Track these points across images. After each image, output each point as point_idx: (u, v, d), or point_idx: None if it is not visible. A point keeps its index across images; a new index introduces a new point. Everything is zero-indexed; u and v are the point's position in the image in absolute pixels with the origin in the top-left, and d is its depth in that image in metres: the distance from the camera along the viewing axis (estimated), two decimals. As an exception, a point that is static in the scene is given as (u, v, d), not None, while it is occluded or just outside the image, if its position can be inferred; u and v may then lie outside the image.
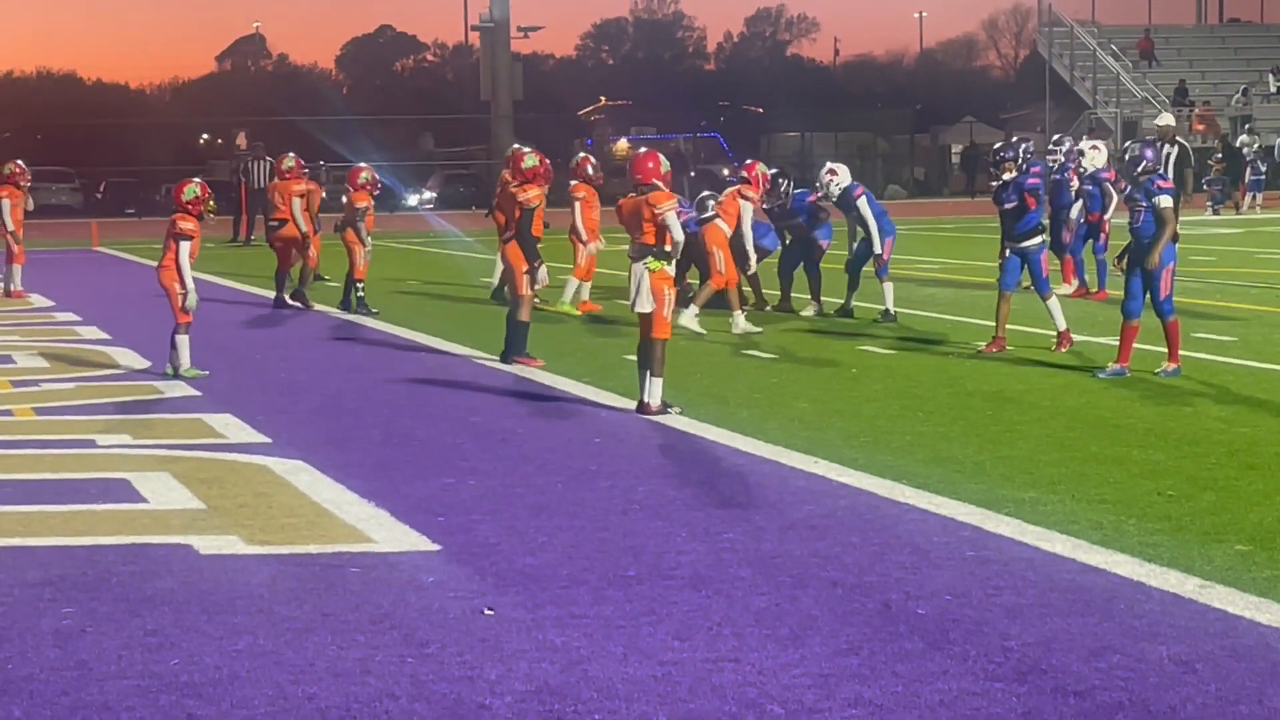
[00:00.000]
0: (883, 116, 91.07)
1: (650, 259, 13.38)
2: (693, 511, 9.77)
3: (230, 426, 13.10)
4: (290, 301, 23.36)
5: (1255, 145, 50.25)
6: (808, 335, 18.87)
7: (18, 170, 26.16)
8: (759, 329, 18.93)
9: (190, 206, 15.98)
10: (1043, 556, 8.56)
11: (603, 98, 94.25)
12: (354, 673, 6.84)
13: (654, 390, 13.42)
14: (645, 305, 13.48)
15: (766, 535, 9.13)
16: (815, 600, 7.81)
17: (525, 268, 16.17)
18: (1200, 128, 61.82)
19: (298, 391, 15.28)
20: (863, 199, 20.03)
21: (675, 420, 13.02)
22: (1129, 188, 15.17)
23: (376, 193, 22.31)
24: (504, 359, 16.46)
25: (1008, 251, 16.79)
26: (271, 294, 23.91)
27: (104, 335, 20.03)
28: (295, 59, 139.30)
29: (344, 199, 22.64)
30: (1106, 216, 22.40)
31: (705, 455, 11.76)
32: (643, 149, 14.59)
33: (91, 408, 14.25)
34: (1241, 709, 6.23)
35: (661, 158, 13.86)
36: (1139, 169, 14.92)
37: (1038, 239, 16.80)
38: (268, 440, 12.46)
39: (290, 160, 24.36)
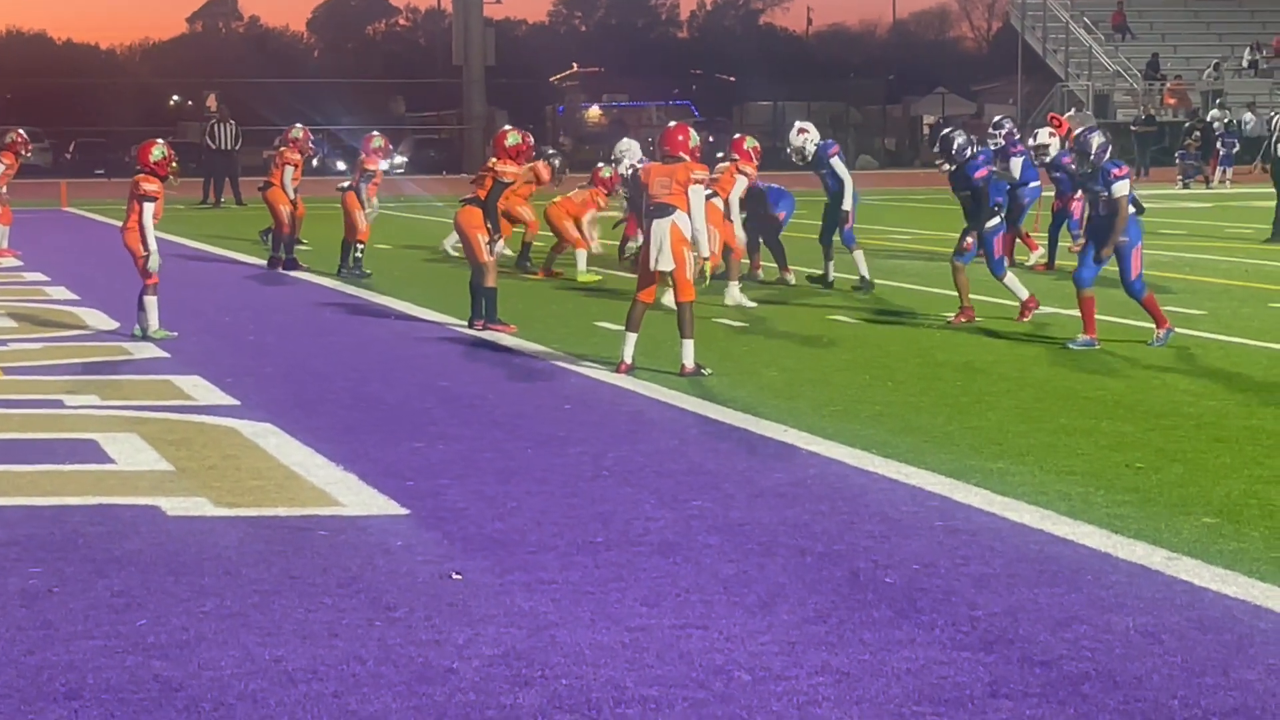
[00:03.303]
0: (855, 87, 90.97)
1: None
2: (661, 478, 9.78)
3: (199, 388, 13.07)
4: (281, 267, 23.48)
5: (1226, 120, 50.37)
6: (778, 304, 18.87)
7: (20, 140, 26.36)
8: (754, 304, 18.82)
9: (157, 168, 15.93)
10: (1011, 527, 8.58)
11: (575, 64, 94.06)
12: (321, 635, 6.83)
13: (687, 352, 13.65)
14: (666, 264, 13.69)
15: (735, 503, 9.14)
16: (783, 568, 7.82)
17: (485, 237, 16.29)
18: (1172, 102, 61.92)
19: (267, 354, 15.25)
20: (836, 158, 20.06)
21: (645, 387, 13.02)
22: (1082, 177, 15.26)
23: (389, 161, 22.76)
24: (470, 324, 16.47)
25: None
26: (243, 257, 23.96)
27: (72, 295, 19.98)
28: (266, 21, 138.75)
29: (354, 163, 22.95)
30: (1077, 196, 22.50)
31: (675, 422, 11.75)
32: (672, 122, 14.79)
33: (59, 368, 14.21)
34: (1207, 680, 6.26)
35: (692, 131, 14.18)
36: (1093, 155, 14.95)
37: (994, 220, 16.83)
38: (236, 402, 12.43)
39: (298, 131, 24.65)
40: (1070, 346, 14.85)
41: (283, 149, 24.15)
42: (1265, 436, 10.92)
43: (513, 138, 16.99)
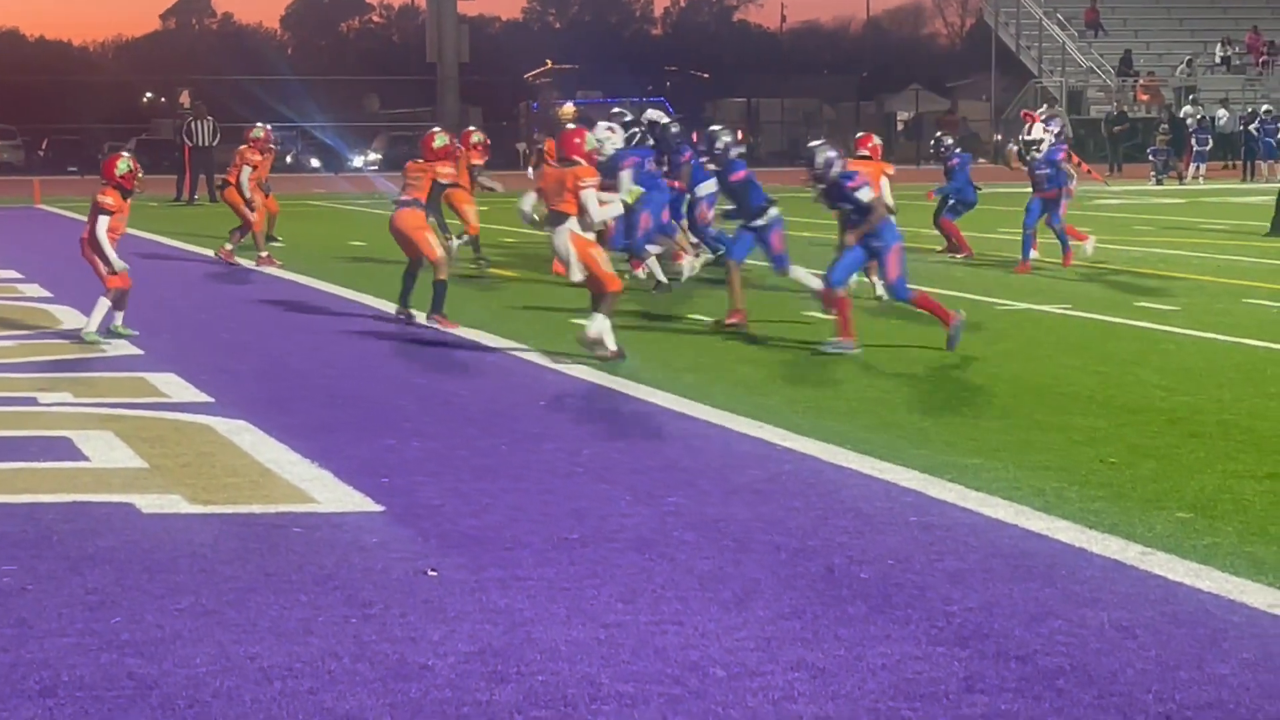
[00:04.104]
0: (829, 83, 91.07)
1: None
2: (637, 475, 9.78)
3: (173, 385, 13.04)
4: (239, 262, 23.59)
5: (1199, 116, 50.51)
6: (752, 300, 18.85)
7: None
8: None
9: (124, 181, 15.75)
10: (985, 522, 8.59)
11: (549, 61, 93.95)
12: (296, 633, 6.82)
13: (595, 322, 13.93)
14: (578, 274, 14.09)
15: (710, 499, 9.14)
16: (759, 564, 7.82)
17: (429, 233, 16.72)
18: (1145, 98, 62.09)
19: (241, 351, 15.23)
20: (628, 171, 19.55)
21: (620, 384, 13.02)
22: (820, 194, 14.95)
23: (488, 157, 23.58)
24: (397, 314, 16.98)
25: (737, 227, 16.81)
26: (203, 250, 24.10)
27: (46, 293, 19.91)
28: (240, 18, 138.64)
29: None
30: (1070, 188, 22.71)
31: (650, 419, 11.76)
32: (569, 125, 15.04)
33: (33, 365, 14.17)
34: (1181, 675, 6.27)
35: (588, 134, 14.62)
36: (832, 171, 14.66)
37: (773, 211, 16.54)
38: (211, 400, 12.41)
39: (260, 130, 24.98)
40: (824, 350, 14.48)
41: (243, 148, 24.37)
42: (1238, 432, 10.95)
43: (439, 139, 17.50)
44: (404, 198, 16.92)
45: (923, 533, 8.38)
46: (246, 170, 23.69)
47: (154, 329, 16.00)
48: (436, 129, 17.99)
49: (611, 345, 13.90)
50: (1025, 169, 22.41)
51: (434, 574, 7.68)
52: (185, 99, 43.48)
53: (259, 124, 25.53)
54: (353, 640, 6.72)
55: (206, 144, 41.74)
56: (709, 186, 21.73)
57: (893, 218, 15.30)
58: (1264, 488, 9.30)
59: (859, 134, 20.92)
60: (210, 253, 25.21)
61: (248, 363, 14.52)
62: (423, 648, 6.62)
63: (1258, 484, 9.40)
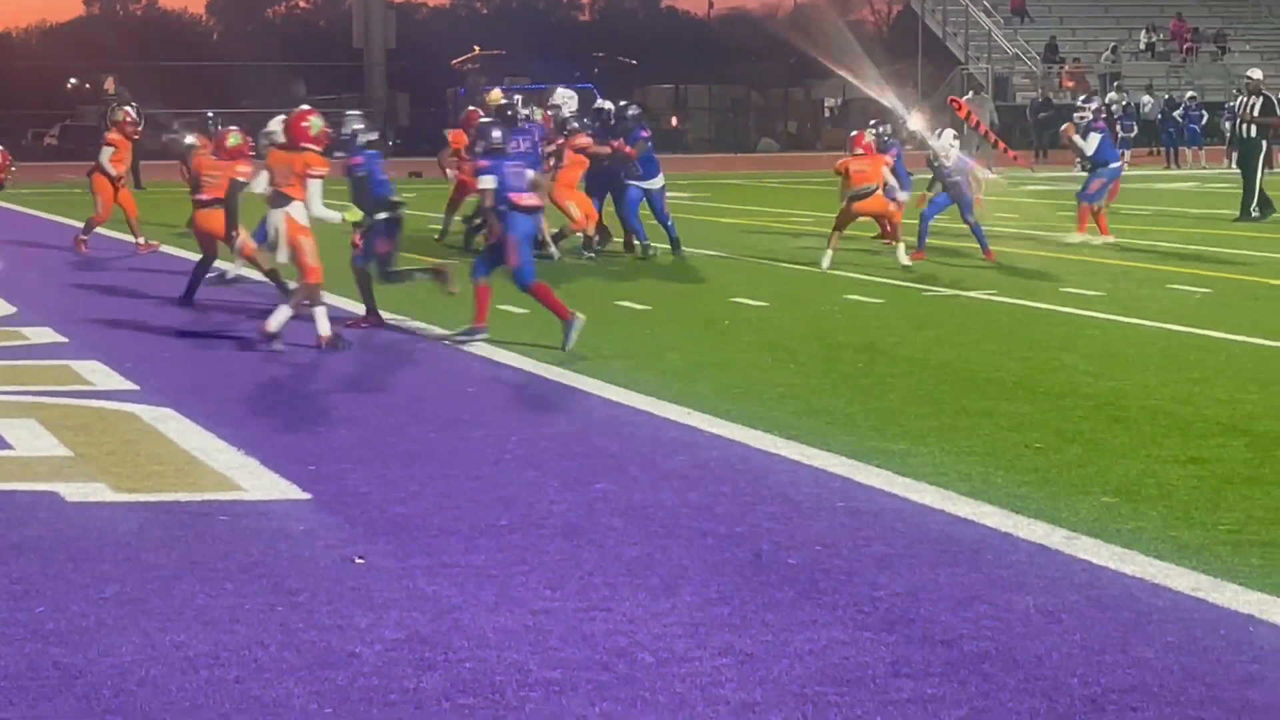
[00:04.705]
0: (757, 70, 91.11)
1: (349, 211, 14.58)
2: (565, 461, 9.77)
3: (98, 373, 12.96)
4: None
5: (1123, 103, 50.78)
6: (680, 286, 18.89)
7: None
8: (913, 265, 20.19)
9: None
10: (912, 507, 8.62)
11: (477, 47, 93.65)
12: (223, 621, 6.79)
13: (278, 314, 14.15)
14: (284, 256, 14.38)
15: (638, 485, 9.14)
16: (686, 550, 7.83)
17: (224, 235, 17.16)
18: (1070, 84, 62.38)
19: (166, 339, 15.14)
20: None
21: (548, 371, 13.01)
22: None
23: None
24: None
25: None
26: (128, 238, 24.20)
27: (-32, 281, 19.76)
28: (165, 3, 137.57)
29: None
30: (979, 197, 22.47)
31: (578, 406, 11.75)
32: (300, 107, 15.09)
33: (-45, 354, 14.06)
34: (1106, 658, 6.31)
35: (313, 120, 14.52)
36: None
37: (384, 214, 15.40)
38: (136, 387, 12.34)
39: (119, 113, 25.31)
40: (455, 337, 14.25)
41: (106, 132, 24.71)
42: (1163, 417, 11.02)
43: (234, 139, 17.57)
44: (204, 197, 17.10)
45: (850, 518, 8.40)
46: (106, 151, 23.89)
47: (78, 317, 15.89)
48: (233, 128, 17.99)
49: (324, 331, 14.05)
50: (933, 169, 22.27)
51: (361, 561, 7.66)
52: (110, 85, 43.26)
53: (125, 107, 25.79)
54: (279, 628, 6.69)
55: (131, 130, 41.58)
56: (661, 180, 22.41)
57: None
58: (1187, 472, 9.37)
59: (853, 133, 21.28)
60: (134, 239, 25.05)
61: (173, 350, 14.44)
62: (350, 635, 6.60)
63: (1181, 469, 9.46)
